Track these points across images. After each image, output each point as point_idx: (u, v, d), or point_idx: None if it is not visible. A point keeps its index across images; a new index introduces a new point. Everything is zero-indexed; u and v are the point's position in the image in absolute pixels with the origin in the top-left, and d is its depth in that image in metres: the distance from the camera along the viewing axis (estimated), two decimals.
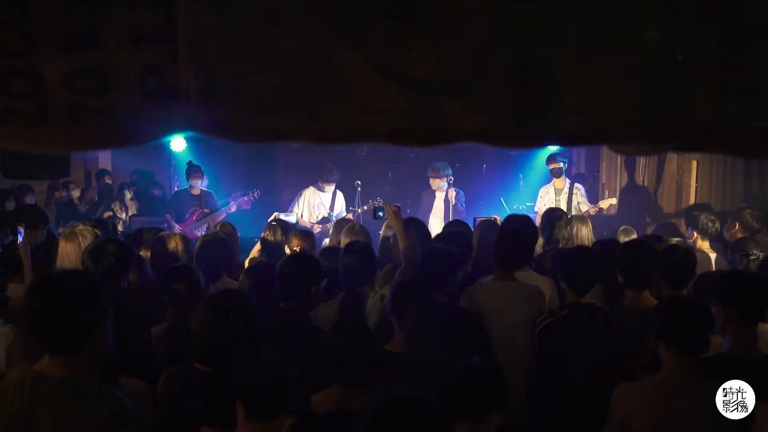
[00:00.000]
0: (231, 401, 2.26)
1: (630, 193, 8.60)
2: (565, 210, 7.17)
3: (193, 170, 7.76)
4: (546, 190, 7.65)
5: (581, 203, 7.45)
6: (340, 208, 7.60)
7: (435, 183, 7.57)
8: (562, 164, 7.54)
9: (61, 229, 4.87)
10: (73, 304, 2.10)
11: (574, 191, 7.48)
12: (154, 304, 3.54)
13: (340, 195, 7.66)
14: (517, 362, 3.41)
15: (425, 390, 1.78)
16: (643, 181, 8.63)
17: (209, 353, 2.53)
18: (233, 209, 7.72)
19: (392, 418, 1.65)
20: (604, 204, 7.37)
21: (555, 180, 7.62)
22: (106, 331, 2.18)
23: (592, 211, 7.20)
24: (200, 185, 7.82)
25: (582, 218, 5.44)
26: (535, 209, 7.65)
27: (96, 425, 2.05)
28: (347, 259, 3.80)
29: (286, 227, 4.96)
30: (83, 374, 2.13)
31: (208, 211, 7.61)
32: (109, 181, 9.58)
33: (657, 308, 2.70)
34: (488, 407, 2.30)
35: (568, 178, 7.66)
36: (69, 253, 3.82)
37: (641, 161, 8.57)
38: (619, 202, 8.41)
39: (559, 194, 7.53)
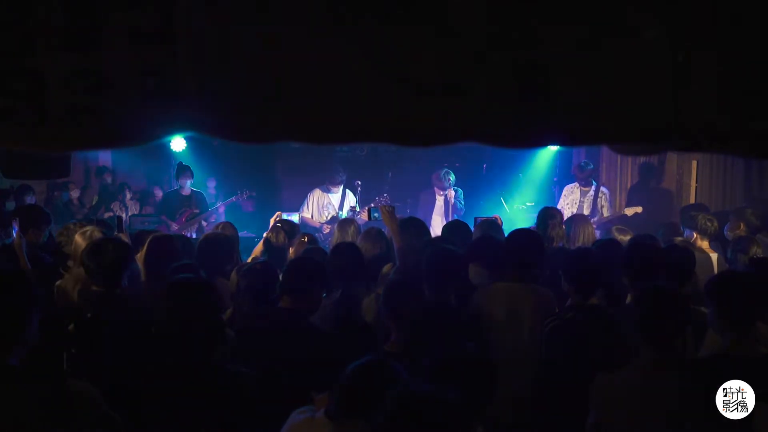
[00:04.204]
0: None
1: (640, 193, 8.53)
2: (588, 213, 7.17)
3: (182, 171, 7.76)
4: (570, 189, 7.62)
5: (604, 207, 7.44)
6: (350, 206, 7.61)
7: (441, 192, 7.59)
8: (591, 178, 7.53)
9: (59, 230, 4.87)
10: (4, 299, 2.14)
11: (599, 195, 7.48)
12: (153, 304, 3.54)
13: (350, 194, 7.66)
14: (524, 364, 3.40)
15: (442, 387, 1.78)
16: (654, 182, 8.58)
17: (170, 342, 2.50)
18: (221, 210, 7.76)
19: (408, 415, 1.65)
20: (629, 212, 7.35)
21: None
22: (33, 323, 2.21)
23: (603, 220, 7.20)
24: (189, 185, 7.81)
25: (583, 218, 5.42)
26: (558, 206, 7.62)
27: (36, 411, 2.06)
28: (336, 260, 3.80)
29: (291, 230, 4.96)
30: (11, 364, 2.14)
31: (197, 211, 7.61)
32: (108, 179, 9.57)
33: (636, 300, 2.71)
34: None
35: (594, 181, 7.65)
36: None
37: (651, 160, 8.52)
38: (629, 201, 8.39)
39: (584, 196, 7.52)
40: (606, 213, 7.36)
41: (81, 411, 2.13)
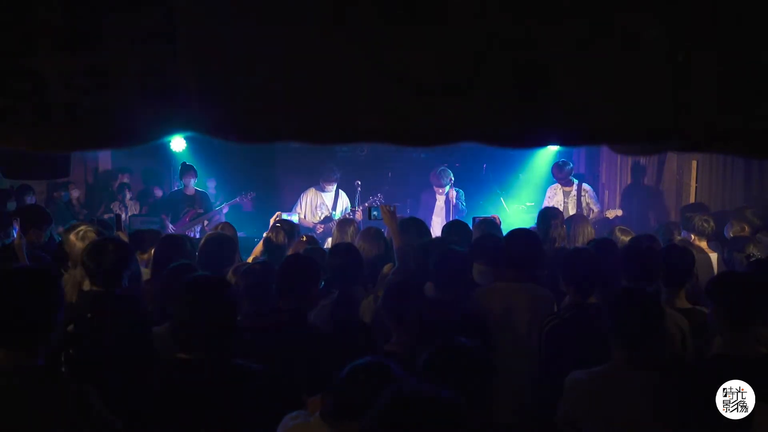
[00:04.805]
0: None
1: (632, 193, 8.57)
2: (574, 212, 7.15)
3: (186, 170, 7.76)
4: (554, 190, 7.57)
5: (590, 203, 7.41)
6: (344, 207, 7.60)
7: (440, 190, 7.57)
8: (571, 178, 7.48)
9: (60, 230, 4.87)
10: (27, 298, 2.11)
11: (583, 193, 7.44)
12: (157, 303, 3.54)
13: (343, 194, 7.65)
14: (524, 364, 3.41)
15: (436, 386, 1.78)
16: (646, 182, 8.61)
17: (187, 339, 2.51)
18: (225, 210, 7.76)
19: (398, 415, 1.65)
20: (610, 214, 7.34)
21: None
22: (57, 323, 2.20)
23: (593, 218, 7.17)
24: (193, 185, 7.82)
25: (582, 218, 5.43)
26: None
27: (62, 414, 2.06)
28: (334, 261, 3.80)
29: (291, 229, 4.96)
30: (41, 365, 2.14)
31: (201, 211, 7.61)
32: (126, 179, 9.61)
33: (608, 302, 2.74)
34: None
35: (576, 179, 7.62)
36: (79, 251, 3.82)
37: (643, 162, 8.55)
38: (622, 202, 8.40)
39: (568, 196, 7.48)
40: (594, 209, 7.33)
41: (80, 413, 2.12)
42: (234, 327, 2.62)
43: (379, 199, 7.56)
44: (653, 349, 2.61)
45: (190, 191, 7.74)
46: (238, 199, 7.84)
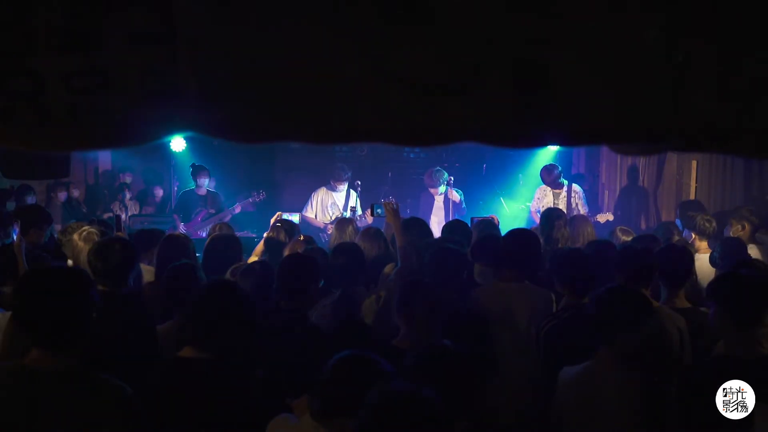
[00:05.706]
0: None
1: (629, 194, 8.60)
2: (565, 212, 7.15)
3: (199, 171, 7.77)
4: (543, 191, 7.56)
5: (578, 204, 7.41)
6: (351, 206, 7.59)
7: (434, 190, 7.56)
8: (561, 181, 7.45)
9: (59, 230, 4.86)
10: (66, 297, 2.10)
11: (573, 193, 7.44)
12: (159, 303, 3.54)
13: (353, 194, 7.65)
14: (524, 364, 3.41)
15: (424, 386, 1.78)
16: (643, 182, 8.63)
17: (209, 338, 2.52)
18: (237, 210, 7.74)
19: (388, 414, 1.65)
20: (601, 218, 7.35)
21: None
22: (92, 324, 2.19)
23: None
24: (207, 185, 7.84)
25: (584, 218, 5.44)
26: (531, 208, 7.61)
27: (104, 416, 2.04)
28: (337, 260, 3.80)
29: (291, 229, 4.96)
30: (77, 367, 2.12)
31: (213, 211, 7.61)
32: (128, 180, 9.60)
33: (590, 300, 2.76)
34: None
35: (565, 179, 7.61)
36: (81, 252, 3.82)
37: (641, 162, 8.57)
38: (618, 203, 8.41)
39: (557, 197, 7.47)
40: (582, 211, 7.33)
41: (119, 414, 2.09)
42: (253, 330, 2.65)
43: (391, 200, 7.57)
44: (637, 347, 2.62)
45: (202, 191, 7.76)
46: (250, 199, 7.83)
